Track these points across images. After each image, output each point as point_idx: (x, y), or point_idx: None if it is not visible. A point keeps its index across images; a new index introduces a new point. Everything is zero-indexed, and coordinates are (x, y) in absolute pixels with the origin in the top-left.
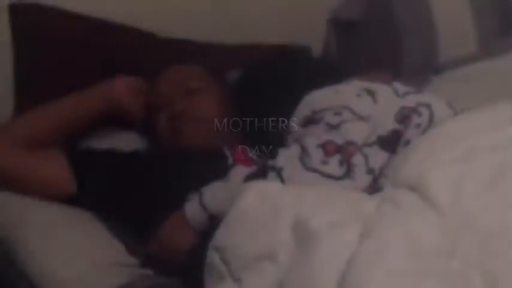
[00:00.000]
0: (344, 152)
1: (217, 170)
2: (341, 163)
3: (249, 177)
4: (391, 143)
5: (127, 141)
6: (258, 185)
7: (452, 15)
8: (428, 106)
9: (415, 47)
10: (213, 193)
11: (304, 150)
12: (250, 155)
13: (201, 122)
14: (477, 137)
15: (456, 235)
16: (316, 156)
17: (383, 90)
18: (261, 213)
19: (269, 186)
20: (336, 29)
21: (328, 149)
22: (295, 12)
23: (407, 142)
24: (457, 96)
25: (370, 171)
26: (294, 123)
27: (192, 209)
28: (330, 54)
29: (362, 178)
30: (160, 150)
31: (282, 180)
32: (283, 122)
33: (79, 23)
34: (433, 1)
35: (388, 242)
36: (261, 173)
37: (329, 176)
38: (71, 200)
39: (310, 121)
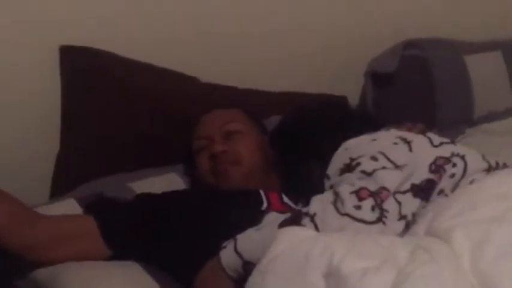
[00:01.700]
0: (377, 197)
1: (253, 214)
2: (373, 208)
3: (284, 224)
4: (425, 191)
5: (167, 181)
6: (290, 232)
7: (487, 72)
8: (462, 157)
9: (449, 101)
10: (248, 240)
11: (337, 196)
12: (285, 201)
13: (240, 164)
14: None
15: None
16: (349, 201)
17: (419, 140)
18: (294, 260)
19: (301, 233)
20: (373, 81)
21: (361, 195)
22: (333, 64)
23: (441, 191)
24: (490, 149)
25: (402, 217)
26: (331, 170)
27: (227, 256)
28: (366, 105)
29: (394, 224)
30: (197, 193)
31: (316, 226)
32: (320, 170)
33: (127, 67)
34: (469, 59)
35: None
36: (295, 219)
37: (361, 221)
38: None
39: (346, 168)
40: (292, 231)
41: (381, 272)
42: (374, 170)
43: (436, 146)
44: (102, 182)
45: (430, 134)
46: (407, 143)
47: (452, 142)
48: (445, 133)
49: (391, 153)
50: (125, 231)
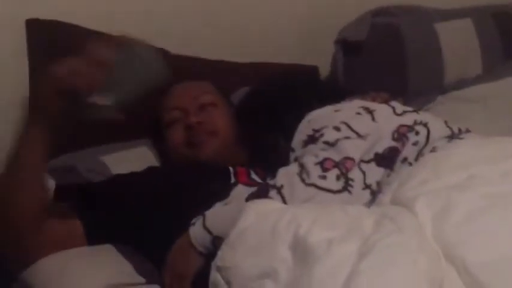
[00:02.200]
0: (341, 166)
1: (221, 189)
2: (338, 177)
3: (251, 197)
4: (388, 159)
5: (138, 155)
6: (257, 205)
7: (458, 39)
8: (425, 125)
9: (420, 69)
10: (216, 215)
11: (303, 168)
12: (253, 177)
13: (215, 135)
14: (476, 167)
15: (440, 264)
16: (314, 172)
17: (382, 109)
18: (261, 232)
19: (268, 206)
20: (344, 49)
21: (326, 165)
22: (304, 34)
23: (405, 159)
24: (460, 116)
25: (367, 186)
26: (295, 142)
27: (196, 232)
28: (337, 75)
29: (359, 193)
30: (165, 171)
31: (283, 198)
32: (285, 142)
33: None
34: (439, 26)
35: (389, 260)
36: (262, 192)
37: (327, 190)
38: None
39: (310, 140)
40: (259, 204)
41: (346, 242)
42: (337, 140)
43: (399, 115)
44: (75, 155)
45: (394, 103)
46: (370, 112)
47: (415, 111)
48: (416, 100)
49: (354, 123)
50: (107, 232)
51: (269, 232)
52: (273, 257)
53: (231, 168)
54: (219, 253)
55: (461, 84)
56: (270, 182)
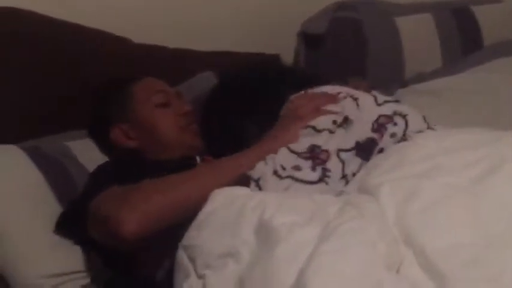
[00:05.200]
0: (316, 159)
1: None
2: (313, 168)
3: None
4: (366, 150)
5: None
6: (226, 191)
7: (418, 34)
8: (404, 116)
9: (380, 62)
10: None
11: (278, 158)
12: None
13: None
14: (440, 158)
15: (399, 250)
16: (289, 163)
17: (365, 97)
18: (228, 215)
19: (237, 191)
20: (305, 42)
21: (301, 156)
22: (267, 26)
23: (382, 150)
24: (419, 108)
25: (344, 176)
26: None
27: None
28: (299, 66)
29: (336, 183)
30: (136, 163)
31: (260, 190)
32: (256, 128)
33: (54, 28)
34: (400, 21)
35: (348, 243)
36: (243, 184)
37: (303, 181)
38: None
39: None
40: (227, 190)
41: (308, 226)
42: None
43: (379, 105)
44: (40, 140)
45: (375, 93)
46: (355, 99)
47: (396, 101)
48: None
49: (346, 107)
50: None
51: (235, 215)
52: (237, 238)
53: (197, 157)
54: (186, 233)
55: (421, 77)
56: (249, 173)
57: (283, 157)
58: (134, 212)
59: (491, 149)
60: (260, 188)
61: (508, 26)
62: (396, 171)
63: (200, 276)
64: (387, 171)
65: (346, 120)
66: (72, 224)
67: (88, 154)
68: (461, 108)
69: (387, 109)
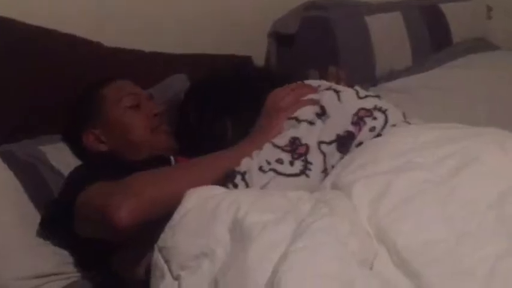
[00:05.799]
0: (295, 151)
1: None
2: (291, 163)
3: (218, 183)
4: (344, 144)
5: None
6: (200, 190)
7: (388, 32)
8: (384, 111)
9: (351, 61)
10: None
11: (262, 152)
12: None
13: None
14: (413, 154)
15: (373, 246)
16: (272, 157)
17: (347, 91)
18: (202, 215)
19: (211, 191)
20: (276, 42)
21: (283, 149)
22: (238, 26)
23: (360, 144)
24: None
25: (325, 170)
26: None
27: None
28: (271, 66)
29: (318, 176)
30: (111, 164)
31: (247, 184)
32: (233, 128)
33: (26, 32)
34: (370, 19)
35: (320, 241)
36: (229, 178)
37: (284, 175)
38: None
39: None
40: (201, 189)
41: (281, 224)
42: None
43: (361, 98)
44: (13, 145)
45: (357, 87)
46: (337, 92)
47: (377, 96)
48: None
49: (323, 99)
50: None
51: (209, 214)
52: (211, 237)
53: (172, 158)
54: (162, 235)
55: (392, 75)
56: (236, 168)
57: (268, 152)
58: (129, 199)
59: (465, 145)
60: (246, 182)
61: (477, 23)
62: (370, 168)
63: (175, 278)
64: (361, 166)
65: (325, 111)
66: (56, 223)
67: (62, 158)
68: (433, 106)
69: (368, 103)
